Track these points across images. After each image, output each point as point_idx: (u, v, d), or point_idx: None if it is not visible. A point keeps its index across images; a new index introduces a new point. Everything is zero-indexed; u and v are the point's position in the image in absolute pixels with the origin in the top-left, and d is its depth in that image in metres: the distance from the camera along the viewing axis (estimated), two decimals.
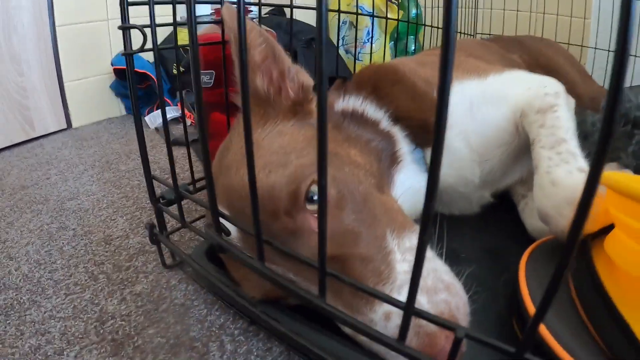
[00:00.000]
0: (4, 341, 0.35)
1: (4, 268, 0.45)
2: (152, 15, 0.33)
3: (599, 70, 0.85)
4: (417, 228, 0.30)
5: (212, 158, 0.36)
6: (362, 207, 0.28)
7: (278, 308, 0.30)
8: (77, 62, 0.93)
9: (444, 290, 0.25)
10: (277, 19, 0.89)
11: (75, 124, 0.96)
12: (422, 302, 0.24)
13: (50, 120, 0.93)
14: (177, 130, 0.87)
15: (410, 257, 0.26)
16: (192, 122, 0.89)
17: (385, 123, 0.37)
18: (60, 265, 0.44)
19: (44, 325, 0.36)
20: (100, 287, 0.39)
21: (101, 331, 0.34)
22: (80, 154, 0.80)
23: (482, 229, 0.42)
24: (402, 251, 0.27)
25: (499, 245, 0.40)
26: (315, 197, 0.27)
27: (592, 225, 0.31)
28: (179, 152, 0.75)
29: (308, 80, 0.35)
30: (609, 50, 0.83)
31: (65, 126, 0.96)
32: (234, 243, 0.29)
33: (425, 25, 1.00)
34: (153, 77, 0.92)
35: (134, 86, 0.35)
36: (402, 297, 0.24)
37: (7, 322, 0.37)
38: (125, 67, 0.90)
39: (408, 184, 0.35)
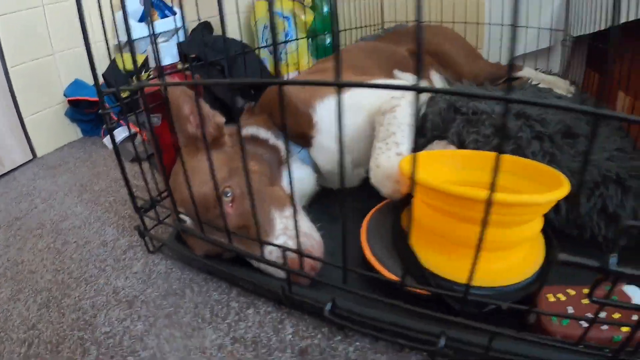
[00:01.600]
0: (53, 320, 0.65)
1: (31, 280, 0.74)
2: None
3: (496, 42, 1.17)
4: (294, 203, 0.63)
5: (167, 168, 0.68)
6: (258, 197, 0.60)
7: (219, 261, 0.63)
8: (33, 97, 1.22)
9: (302, 236, 0.57)
10: (205, 37, 1.18)
11: (39, 153, 1.26)
12: (289, 243, 0.56)
13: (17, 154, 1.23)
14: (132, 148, 1.18)
15: (286, 221, 0.59)
16: (144, 138, 1.19)
17: (272, 140, 0.70)
18: (74, 267, 0.75)
19: (77, 305, 0.66)
20: (109, 274, 0.71)
21: (117, 297, 0.66)
22: (55, 181, 1.10)
23: (359, 196, 0.74)
24: (280, 218, 0.59)
25: (366, 207, 0.71)
26: (229, 195, 0.59)
27: (404, 189, 0.63)
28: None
29: (221, 120, 0.67)
30: (502, 25, 1.15)
31: (31, 157, 1.26)
32: (189, 226, 0.62)
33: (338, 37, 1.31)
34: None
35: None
36: (278, 241, 0.56)
37: (49, 310, 0.66)
38: (79, 97, 1.19)
39: (294, 175, 0.68)
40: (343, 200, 0.48)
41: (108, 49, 0.72)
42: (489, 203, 0.36)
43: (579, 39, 1.12)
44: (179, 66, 0.78)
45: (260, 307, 0.60)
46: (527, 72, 1.10)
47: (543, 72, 1.13)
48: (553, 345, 0.42)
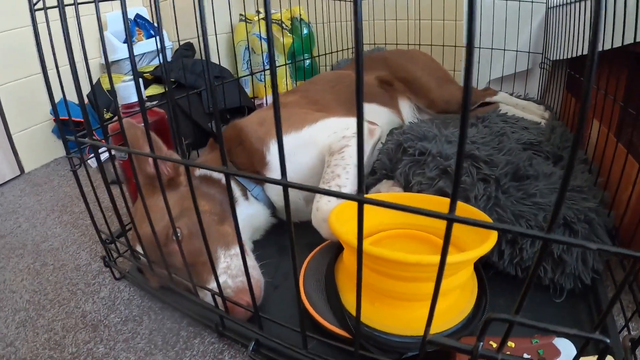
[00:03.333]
0: (27, 339, 0.76)
1: (12, 299, 0.86)
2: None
3: (474, 65, 1.23)
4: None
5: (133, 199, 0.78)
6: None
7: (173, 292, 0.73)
8: (21, 115, 1.34)
9: (242, 275, 0.67)
10: (185, 61, 1.29)
11: (27, 169, 1.39)
12: (229, 282, 0.66)
13: (5, 169, 1.35)
14: (112, 169, 1.29)
15: (229, 260, 0.68)
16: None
17: (224, 180, 0.79)
18: (50, 289, 0.86)
19: (49, 326, 0.78)
20: (79, 298, 0.82)
21: (85, 320, 0.76)
22: (39, 200, 1.22)
23: (309, 230, 0.83)
24: (226, 257, 0.69)
25: (315, 241, 0.79)
26: (178, 235, 0.69)
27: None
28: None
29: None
30: (480, 48, 1.22)
31: (19, 172, 1.38)
32: (144, 261, 0.72)
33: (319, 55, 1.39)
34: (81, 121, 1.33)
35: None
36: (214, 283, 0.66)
37: (26, 329, 0.77)
38: (65, 117, 1.30)
39: (245, 214, 0.77)
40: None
41: (88, 70, 0.78)
42: (360, 255, 0.43)
43: (558, 62, 1.18)
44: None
45: (206, 337, 0.69)
46: (501, 96, 1.17)
47: (519, 96, 1.19)
48: None
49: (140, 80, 0.88)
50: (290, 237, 0.43)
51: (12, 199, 1.25)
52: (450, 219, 0.34)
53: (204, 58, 0.47)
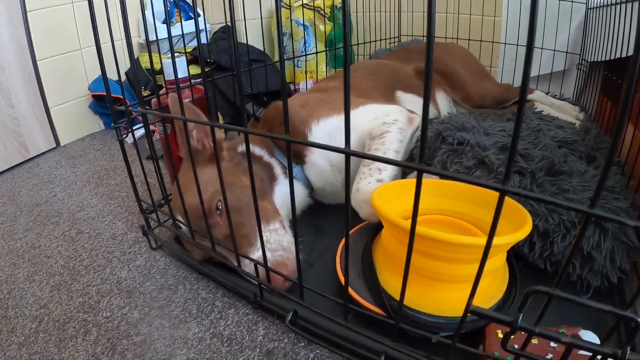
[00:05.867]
0: (61, 302, 0.79)
1: (46, 263, 0.88)
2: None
3: (510, 62, 1.23)
4: (280, 217, 0.74)
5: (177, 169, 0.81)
6: (246, 211, 0.71)
7: (210, 263, 0.75)
8: (59, 89, 1.38)
9: (281, 249, 0.68)
10: (224, 43, 1.31)
11: (62, 142, 1.43)
12: (268, 255, 0.67)
13: (41, 142, 1.39)
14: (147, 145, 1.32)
15: (269, 234, 0.70)
16: (156, 133, 1.32)
17: (265, 157, 0.81)
18: (85, 256, 0.89)
19: (84, 290, 0.80)
20: (114, 265, 0.85)
21: (120, 287, 0.79)
22: (75, 172, 1.26)
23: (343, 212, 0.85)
24: (265, 231, 0.70)
25: (356, 222, 0.81)
26: (220, 207, 0.71)
27: (375, 218, 0.73)
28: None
29: (220, 135, 0.78)
30: (517, 45, 1.22)
31: (54, 145, 1.42)
32: (185, 232, 0.74)
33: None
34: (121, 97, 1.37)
35: None
36: (257, 254, 0.68)
37: (60, 293, 0.80)
38: (102, 93, 1.34)
39: (284, 191, 0.79)
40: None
41: (129, 47, 0.81)
42: (412, 235, 0.44)
43: (595, 64, 1.17)
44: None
45: (240, 308, 0.71)
46: (537, 95, 1.17)
47: (555, 96, 1.19)
48: None
49: (184, 57, 0.90)
50: (346, 197, 0.45)
51: (48, 170, 1.29)
52: (503, 190, 0.35)
53: (244, 42, 0.49)
